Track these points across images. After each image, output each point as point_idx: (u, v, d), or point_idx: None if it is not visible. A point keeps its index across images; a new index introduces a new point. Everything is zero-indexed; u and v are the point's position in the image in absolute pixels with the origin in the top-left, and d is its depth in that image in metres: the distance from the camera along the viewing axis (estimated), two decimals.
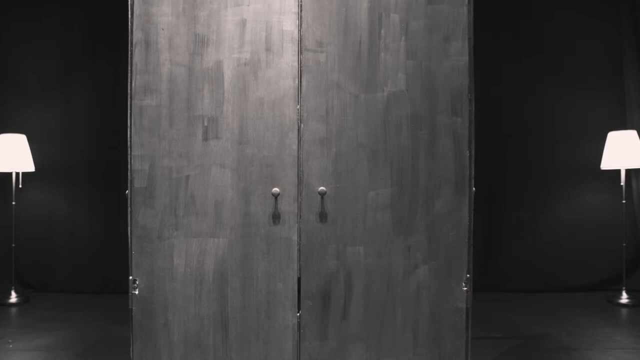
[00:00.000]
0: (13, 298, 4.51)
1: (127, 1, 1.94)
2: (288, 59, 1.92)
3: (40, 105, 5.02)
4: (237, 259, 1.92)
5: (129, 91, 1.93)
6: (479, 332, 3.69)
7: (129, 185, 1.92)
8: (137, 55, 1.92)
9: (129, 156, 1.92)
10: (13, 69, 5.04)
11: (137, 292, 1.91)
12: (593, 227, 4.99)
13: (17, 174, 4.64)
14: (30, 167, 4.63)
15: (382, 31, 1.93)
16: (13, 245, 4.61)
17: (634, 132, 4.55)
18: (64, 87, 5.04)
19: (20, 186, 4.64)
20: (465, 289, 1.93)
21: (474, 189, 1.95)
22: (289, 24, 1.92)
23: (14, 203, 4.61)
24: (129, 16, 1.93)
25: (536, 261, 5.00)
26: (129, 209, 1.92)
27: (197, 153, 1.92)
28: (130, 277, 1.91)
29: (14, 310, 4.35)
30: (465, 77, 1.92)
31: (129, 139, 1.92)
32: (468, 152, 1.92)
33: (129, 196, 1.92)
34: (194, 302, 1.92)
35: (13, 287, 4.57)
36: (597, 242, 4.96)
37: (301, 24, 1.92)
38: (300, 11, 1.92)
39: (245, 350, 1.91)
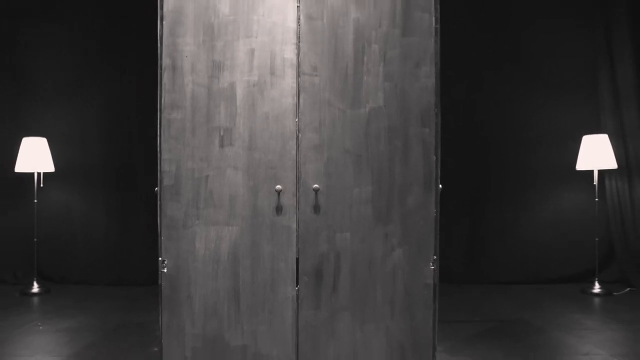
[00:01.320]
0: (35, 288, 4.82)
1: (156, 30, 2.32)
2: (288, 81, 2.31)
3: (57, 109, 5.27)
4: (247, 244, 2.31)
5: (158, 106, 2.32)
6: (459, 317, 4.04)
7: (159, 183, 2.31)
8: (165, 77, 2.31)
9: (158, 159, 2.31)
10: (31, 76, 5.28)
11: (165, 271, 2.31)
12: (569, 224, 5.21)
13: (39, 174, 4.94)
14: (50, 167, 4.93)
15: (365, 58, 2.33)
16: (35, 240, 4.90)
17: (605, 136, 4.83)
18: (79, 92, 5.28)
19: (41, 185, 4.93)
20: (432, 267, 2.32)
21: (440, 186, 2.34)
22: (289, 53, 2.31)
23: (35, 201, 4.91)
24: (159, 45, 2.32)
25: (518, 257, 5.23)
26: (159, 202, 2.31)
27: (215, 157, 2.31)
28: (160, 259, 2.31)
29: (36, 299, 4.66)
30: (432, 95, 2.31)
31: (158, 146, 2.31)
32: (435, 157, 2.32)
33: (159, 192, 2.31)
34: (211, 279, 2.31)
35: (35, 279, 4.86)
36: (573, 238, 5.19)
37: (299, 53, 2.31)
38: (299, 42, 2.32)
39: (254, 318, 2.31)
